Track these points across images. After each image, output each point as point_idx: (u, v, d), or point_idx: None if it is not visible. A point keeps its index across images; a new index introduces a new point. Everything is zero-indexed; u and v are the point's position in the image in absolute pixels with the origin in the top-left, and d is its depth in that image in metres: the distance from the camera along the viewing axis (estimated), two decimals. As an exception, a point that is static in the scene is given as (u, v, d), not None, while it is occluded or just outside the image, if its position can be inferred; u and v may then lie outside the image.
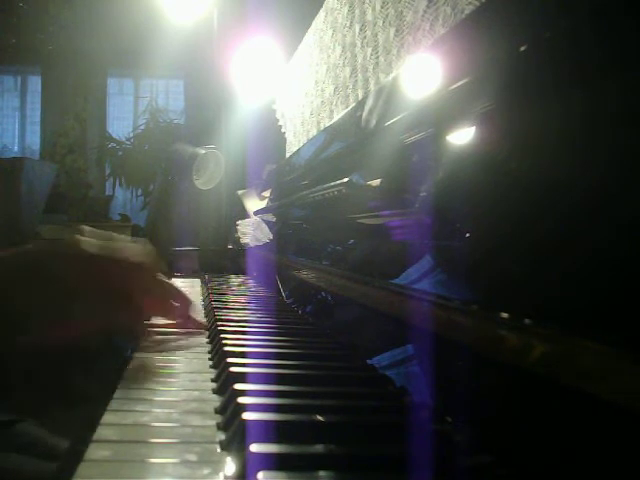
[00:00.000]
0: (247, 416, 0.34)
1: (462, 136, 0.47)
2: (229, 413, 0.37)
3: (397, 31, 0.89)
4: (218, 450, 0.33)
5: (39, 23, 4.44)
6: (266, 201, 1.67)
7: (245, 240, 1.59)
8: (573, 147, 0.33)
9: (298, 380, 0.45)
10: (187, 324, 0.67)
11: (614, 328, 0.25)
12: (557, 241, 0.31)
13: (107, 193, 4.74)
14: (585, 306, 0.28)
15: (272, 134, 2.05)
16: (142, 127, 4.67)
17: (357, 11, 1.09)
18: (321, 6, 1.31)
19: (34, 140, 5.00)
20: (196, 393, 0.43)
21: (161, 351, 0.57)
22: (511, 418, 0.32)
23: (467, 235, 0.42)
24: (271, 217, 1.41)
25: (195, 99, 4.58)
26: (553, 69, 0.36)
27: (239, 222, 1.74)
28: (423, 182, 0.51)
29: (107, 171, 4.72)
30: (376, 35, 0.99)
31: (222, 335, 0.59)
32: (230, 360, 0.48)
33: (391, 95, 0.69)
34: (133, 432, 0.35)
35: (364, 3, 1.05)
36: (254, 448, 0.30)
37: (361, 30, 1.07)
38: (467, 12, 0.66)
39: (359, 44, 1.08)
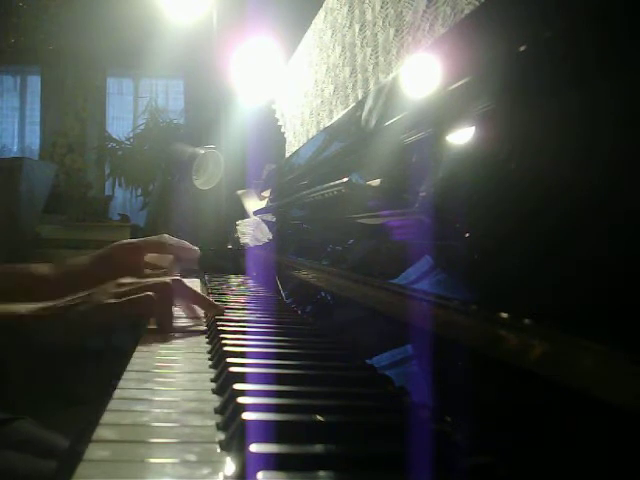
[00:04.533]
0: (247, 416, 0.33)
1: (462, 136, 0.46)
2: (229, 413, 0.37)
3: (397, 31, 0.89)
4: (218, 450, 0.33)
5: (39, 23, 4.44)
6: (266, 201, 1.67)
7: (245, 240, 1.59)
8: (573, 147, 0.33)
9: (298, 380, 0.45)
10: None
11: (614, 328, 0.25)
12: (557, 241, 0.31)
13: (107, 193, 4.74)
14: (585, 306, 0.28)
15: (272, 134, 2.05)
16: (142, 127, 4.67)
17: (357, 11, 1.09)
18: (321, 6, 1.31)
19: (33, 140, 5.00)
20: (196, 393, 0.43)
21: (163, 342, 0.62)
22: (511, 418, 0.32)
23: (467, 235, 0.42)
24: (271, 217, 1.41)
25: (195, 99, 4.59)
26: (553, 69, 0.36)
27: (239, 222, 1.73)
28: (423, 182, 0.51)
29: (107, 171, 4.72)
30: (376, 35, 0.99)
31: (222, 335, 0.59)
32: (230, 360, 0.48)
33: (391, 95, 0.69)
34: (132, 432, 0.34)
35: (364, 3, 1.05)
36: (254, 448, 0.30)
37: (361, 30, 1.07)
38: (467, 12, 0.66)
39: (359, 44, 1.08)
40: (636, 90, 0.28)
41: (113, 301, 0.62)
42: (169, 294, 0.67)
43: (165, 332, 0.65)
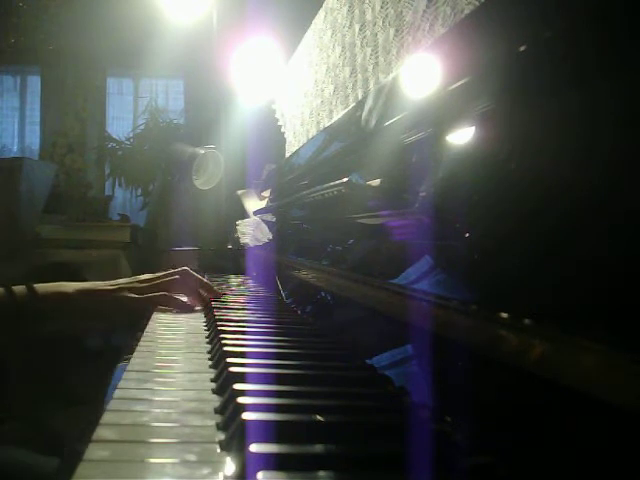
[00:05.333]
0: (247, 416, 0.33)
1: (462, 136, 0.46)
2: (229, 413, 0.37)
3: (397, 31, 0.89)
4: (218, 450, 0.33)
5: (39, 23, 4.44)
6: (266, 201, 1.67)
7: (245, 240, 1.59)
8: (572, 147, 0.33)
9: (298, 380, 0.45)
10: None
11: (614, 328, 0.25)
12: (557, 241, 0.31)
13: (107, 193, 4.73)
14: (585, 306, 0.28)
15: (272, 134, 2.05)
16: (142, 127, 4.66)
17: (357, 11, 1.09)
18: (321, 6, 1.31)
19: (33, 140, 5.00)
20: (196, 393, 0.43)
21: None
22: (511, 418, 0.32)
23: (467, 235, 0.42)
24: (271, 217, 1.41)
25: (195, 99, 4.58)
26: (552, 69, 0.36)
27: (239, 222, 1.73)
28: (423, 182, 0.51)
29: (107, 171, 4.72)
30: (376, 35, 0.99)
31: (222, 335, 0.59)
32: (229, 360, 0.48)
33: (391, 95, 0.69)
34: (132, 432, 0.34)
35: (364, 3, 1.05)
36: (254, 448, 0.30)
37: (361, 30, 1.07)
38: (467, 12, 0.66)
39: (359, 44, 1.08)
40: (636, 90, 0.28)
41: (136, 296, 0.80)
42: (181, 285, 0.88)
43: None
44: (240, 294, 1.05)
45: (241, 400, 0.37)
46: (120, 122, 5.08)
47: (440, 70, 0.54)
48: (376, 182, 0.66)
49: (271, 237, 1.33)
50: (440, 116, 0.51)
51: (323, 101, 1.34)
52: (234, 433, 0.33)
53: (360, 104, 0.80)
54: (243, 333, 0.62)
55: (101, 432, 0.34)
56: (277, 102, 1.87)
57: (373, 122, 0.73)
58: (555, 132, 0.35)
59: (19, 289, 0.76)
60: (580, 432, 0.27)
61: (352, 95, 1.15)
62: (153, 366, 0.50)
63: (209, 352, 0.57)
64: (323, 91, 1.34)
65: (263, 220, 1.49)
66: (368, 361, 0.51)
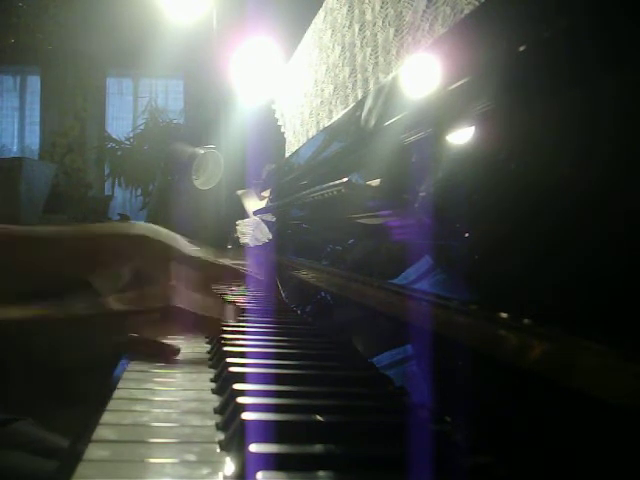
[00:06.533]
0: (246, 416, 0.33)
1: (462, 136, 0.46)
2: (228, 413, 0.37)
3: (396, 31, 0.89)
4: (217, 450, 0.33)
5: (38, 23, 4.44)
6: (266, 201, 1.67)
7: (245, 240, 1.59)
8: (572, 147, 0.33)
9: (297, 380, 0.45)
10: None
11: (614, 328, 0.25)
12: (557, 241, 0.31)
13: (106, 193, 4.74)
14: (585, 306, 0.28)
15: (272, 134, 2.05)
16: (141, 127, 4.67)
17: (356, 11, 1.09)
18: (321, 6, 1.31)
19: (33, 140, 5.01)
20: (196, 393, 0.43)
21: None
22: (511, 418, 0.32)
23: (466, 235, 0.42)
24: (271, 217, 1.41)
25: (195, 99, 4.59)
26: (552, 69, 0.36)
27: (239, 222, 1.73)
28: (422, 182, 0.51)
29: (106, 171, 4.73)
30: (375, 35, 0.99)
31: (221, 335, 0.59)
32: (229, 360, 0.48)
33: (390, 95, 0.69)
34: (132, 432, 0.34)
35: (363, 3, 1.05)
36: (253, 448, 0.30)
37: (360, 30, 1.07)
38: (466, 12, 0.66)
39: (358, 44, 1.08)
40: (636, 90, 0.28)
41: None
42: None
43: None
44: (240, 294, 1.05)
45: (241, 400, 0.37)
46: (120, 122, 5.09)
47: (440, 70, 0.54)
48: (376, 182, 0.66)
49: (271, 237, 1.33)
50: (440, 116, 0.51)
51: (323, 101, 1.34)
52: (234, 433, 0.33)
53: (360, 104, 0.80)
54: (243, 333, 0.62)
55: (101, 432, 0.34)
56: (277, 102, 1.87)
57: (373, 122, 0.73)
58: (555, 132, 0.35)
59: None
60: (580, 432, 0.27)
61: (352, 95, 1.15)
62: (153, 366, 0.50)
63: (209, 352, 0.57)
64: (323, 91, 1.34)
65: (263, 220, 1.49)
66: (368, 361, 0.51)
